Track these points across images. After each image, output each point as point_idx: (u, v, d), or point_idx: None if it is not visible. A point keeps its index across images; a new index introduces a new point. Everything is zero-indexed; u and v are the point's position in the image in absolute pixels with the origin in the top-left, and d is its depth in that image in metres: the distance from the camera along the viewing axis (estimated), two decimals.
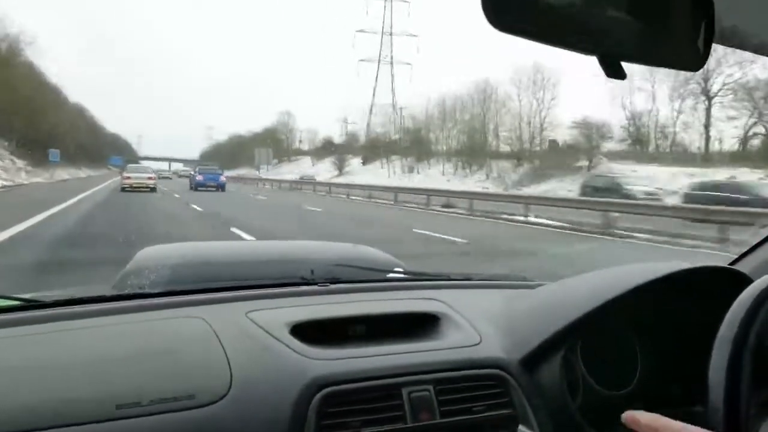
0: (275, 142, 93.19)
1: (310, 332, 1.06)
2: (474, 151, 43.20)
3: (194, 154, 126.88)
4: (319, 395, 0.96)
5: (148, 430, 0.87)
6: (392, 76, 77.10)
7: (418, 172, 49.73)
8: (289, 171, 78.08)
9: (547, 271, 6.62)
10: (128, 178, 28.31)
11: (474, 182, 37.38)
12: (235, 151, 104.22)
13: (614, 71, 0.62)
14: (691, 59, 0.68)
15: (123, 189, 25.96)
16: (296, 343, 1.04)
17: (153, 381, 0.92)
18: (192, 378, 0.94)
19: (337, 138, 79.58)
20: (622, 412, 0.99)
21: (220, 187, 27.93)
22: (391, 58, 77.07)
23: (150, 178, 28.82)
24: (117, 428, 0.87)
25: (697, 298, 1.14)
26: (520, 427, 1.03)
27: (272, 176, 62.43)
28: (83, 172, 67.75)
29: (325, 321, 1.14)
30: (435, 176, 45.40)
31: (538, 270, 7.26)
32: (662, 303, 1.14)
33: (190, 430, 0.89)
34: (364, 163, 64.55)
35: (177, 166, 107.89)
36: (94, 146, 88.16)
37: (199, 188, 28.00)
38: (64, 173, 47.76)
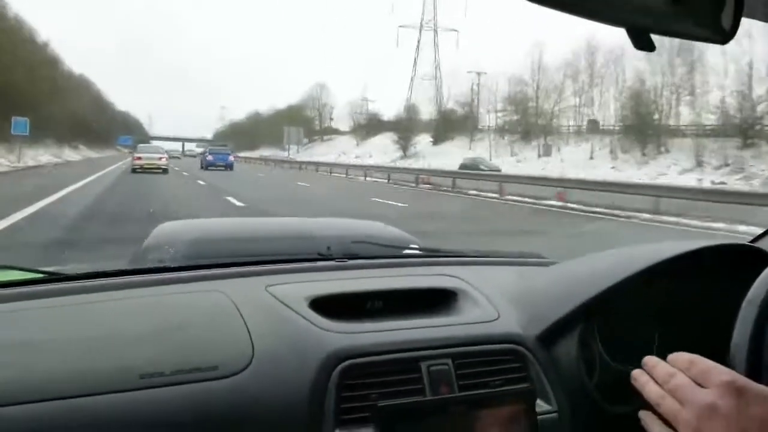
0: (304, 121, 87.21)
1: (328, 306, 1.13)
2: (646, 126, 32.07)
3: (207, 133, 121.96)
4: (339, 368, 1.02)
5: (171, 400, 0.92)
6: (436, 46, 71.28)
7: (548, 155, 39.43)
8: (324, 152, 71.73)
9: None
10: (139, 158, 27.34)
11: (676, 172, 27.81)
12: (255, 131, 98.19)
13: (643, 43, 0.63)
14: (720, 31, 0.68)
15: (134, 170, 24.82)
16: (316, 316, 1.10)
17: (176, 352, 0.98)
18: (214, 350, 1.00)
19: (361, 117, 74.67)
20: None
21: (228, 167, 31.12)
22: (435, 23, 70.93)
23: (161, 159, 27.44)
24: (141, 397, 0.92)
25: (718, 275, 1.19)
26: (538, 401, 1.08)
27: (304, 158, 56.89)
28: (78, 153, 61.29)
29: (344, 295, 1.21)
30: (577, 160, 36.70)
31: None
32: (681, 281, 1.21)
33: (213, 400, 0.95)
34: (435, 143, 57.82)
35: (190, 147, 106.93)
36: (102, 124, 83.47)
37: (210, 167, 30.68)
38: (45, 154, 39.69)
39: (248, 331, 1.05)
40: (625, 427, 1.19)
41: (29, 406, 0.85)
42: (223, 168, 30.33)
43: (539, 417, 1.07)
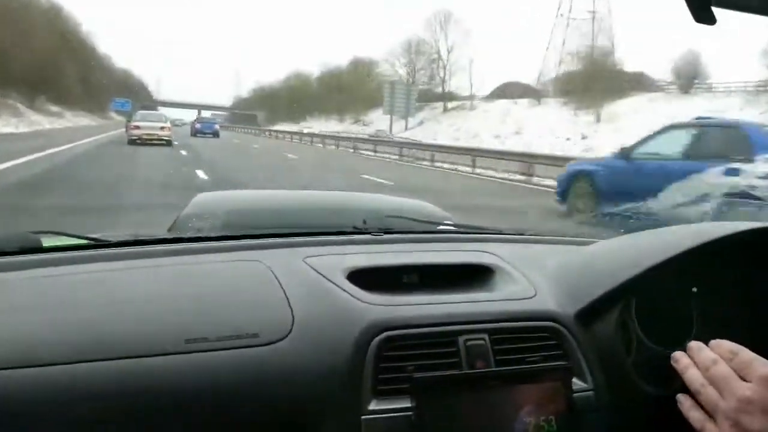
0: (377, 88, 62.56)
1: (365, 279, 1.22)
2: None
3: (225, 101, 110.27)
4: (377, 339, 1.09)
5: (215, 364, 1.01)
6: None
7: None
8: (451, 129, 48.30)
9: None
10: (136, 127, 24.94)
11: None
12: (299, 97, 79.00)
13: (703, 15, 0.62)
14: None
15: (131, 141, 24.04)
16: (354, 288, 1.19)
17: (218, 318, 1.08)
18: (255, 317, 1.10)
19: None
20: (674, 368, 1.02)
21: (215, 134, 41.52)
22: None
23: (164, 129, 25.11)
24: (187, 361, 1.00)
25: (763, 259, 1.24)
26: (574, 379, 1.15)
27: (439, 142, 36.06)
28: (51, 120, 49.57)
29: (380, 268, 1.31)
30: None
31: None
32: (724, 263, 1.27)
33: (255, 366, 1.03)
34: None
35: (206, 115, 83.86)
36: (89, 82, 66.69)
37: (198, 135, 40.09)
38: None
39: (287, 300, 1.14)
40: (661, 409, 1.16)
41: (79, 366, 0.95)
42: (210, 135, 39.93)
43: (575, 395, 1.13)
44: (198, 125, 43.39)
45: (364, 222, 1.61)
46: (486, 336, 1.15)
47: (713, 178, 6.65)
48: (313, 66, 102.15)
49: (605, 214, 7.61)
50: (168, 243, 1.43)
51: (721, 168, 6.76)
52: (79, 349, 0.98)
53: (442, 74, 55.28)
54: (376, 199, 2.26)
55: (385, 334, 1.10)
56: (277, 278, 1.21)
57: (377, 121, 52.27)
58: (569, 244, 1.67)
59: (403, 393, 1.06)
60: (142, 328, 1.05)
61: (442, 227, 1.77)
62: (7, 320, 1.02)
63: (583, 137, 32.37)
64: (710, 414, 0.82)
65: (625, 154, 8.97)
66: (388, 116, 45.15)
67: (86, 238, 1.37)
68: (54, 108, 49.17)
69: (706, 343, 1.06)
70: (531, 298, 1.26)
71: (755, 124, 9.15)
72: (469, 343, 1.14)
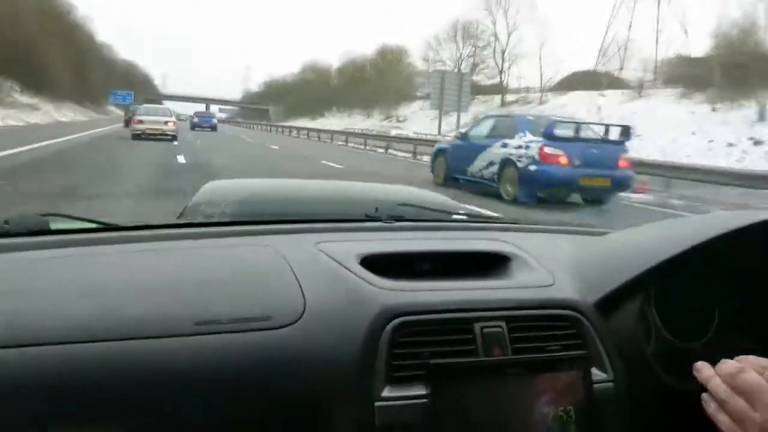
0: (406, 78, 59.85)
1: (378, 265, 1.23)
2: None
3: (234, 95, 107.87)
4: (391, 324, 1.09)
5: (226, 347, 1.02)
6: None
7: None
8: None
9: None
10: (140, 122, 24.85)
11: None
12: (317, 92, 74.88)
13: None
14: None
15: (134, 136, 24.08)
16: (367, 273, 1.20)
17: (229, 302, 1.09)
18: (267, 301, 1.11)
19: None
20: (695, 362, 1.02)
21: (212, 128, 43.90)
22: None
23: (168, 123, 25.01)
24: (197, 343, 1.01)
25: None
26: (593, 369, 1.15)
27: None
28: (37, 114, 42.93)
29: (394, 255, 1.33)
30: None
31: None
32: (746, 253, 1.27)
33: (267, 349, 1.04)
34: None
35: (213, 109, 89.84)
36: (83, 72, 62.21)
37: (196, 128, 42.83)
38: None
39: (299, 285, 1.15)
40: (681, 402, 1.16)
41: (85, 346, 0.96)
42: (208, 129, 42.60)
43: (595, 385, 1.13)
44: (196, 119, 46.31)
45: (377, 210, 1.64)
46: (503, 323, 1.15)
47: (495, 150, 11.03)
48: (333, 57, 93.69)
49: (450, 178, 12.30)
50: (177, 228, 1.45)
51: (498, 143, 10.98)
52: (85, 329, 0.99)
53: (498, 61, 45.72)
54: (387, 189, 2.24)
55: (399, 319, 1.10)
56: (288, 263, 1.22)
57: (413, 117, 44.24)
58: (584, 234, 1.69)
59: (418, 380, 1.07)
60: (151, 309, 1.06)
61: (454, 216, 1.81)
62: (13, 300, 1.04)
63: (757, 142, 22.96)
64: (738, 422, 0.81)
65: (462, 136, 12.79)
66: (426, 112, 40.90)
67: (95, 222, 1.40)
68: (27, 99, 44.46)
69: (728, 335, 1.06)
70: (549, 286, 1.26)
71: (524, 114, 13.39)
72: (485, 330, 1.14)
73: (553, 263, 1.34)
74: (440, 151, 13.34)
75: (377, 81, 59.81)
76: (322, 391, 1.04)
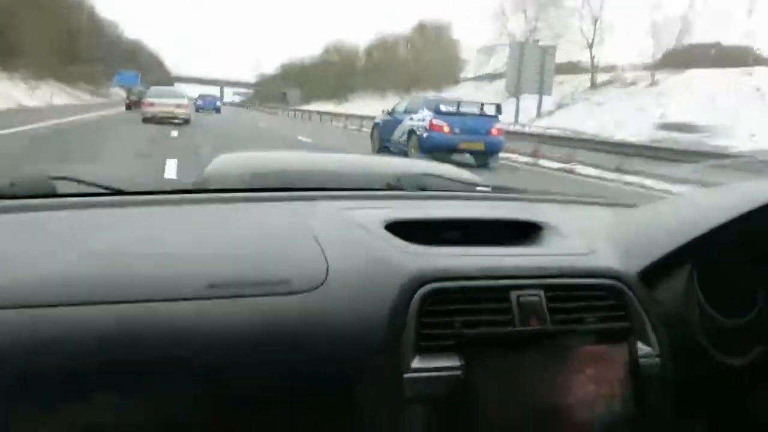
0: (447, 62, 55.14)
1: (405, 231, 1.20)
2: None
3: (247, 77, 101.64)
4: (421, 291, 1.05)
5: (240, 311, 1.00)
6: None
7: None
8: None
9: None
10: (151, 104, 24.31)
11: None
12: (342, 74, 70.04)
13: None
14: None
15: (145, 119, 23.53)
16: (394, 238, 1.16)
17: (244, 264, 1.07)
18: (286, 265, 1.08)
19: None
20: (743, 339, 1.02)
21: (216, 110, 46.92)
22: None
23: (181, 107, 24.39)
24: (209, 307, 0.99)
25: None
26: (638, 343, 1.13)
27: None
28: (28, 94, 40.57)
29: (421, 221, 1.29)
30: None
31: None
32: None
33: (285, 315, 1.01)
34: None
35: (227, 92, 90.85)
36: (76, 49, 56.30)
37: (199, 110, 43.07)
38: None
39: (321, 250, 1.11)
40: (727, 378, 1.14)
41: (89, 308, 0.95)
42: (213, 111, 45.60)
43: (639, 360, 1.10)
44: (200, 102, 48.11)
45: (398, 180, 1.62)
46: (541, 292, 1.11)
47: (406, 122, 14.36)
48: (360, 36, 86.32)
49: (382, 147, 15.37)
50: (191, 193, 1.42)
51: (408, 117, 14.42)
52: (91, 290, 0.98)
53: (589, 31, 36.54)
54: (408, 162, 2.27)
55: (429, 286, 1.06)
56: (309, 226, 1.19)
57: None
58: (617, 206, 1.67)
59: (450, 350, 1.04)
60: (161, 271, 1.04)
61: (480, 188, 1.77)
62: (15, 261, 1.03)
63: None
64: None
65: (389, 112, 15.93)
66: (482, 95, 33.62)
67: (103, 186, 1.37)
68: (33, 81, 42.07)
69: None
70: (589, 254, 1.22)
71: (426, 96, 17.14)
72: (522, 299, 1.09)
73: (590, 232, 1.31)
74: (376, 125, 16.79)
75: (414, 61, 56.76)
76: (346, 362, 1.01)
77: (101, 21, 71.08)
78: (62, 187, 1.33)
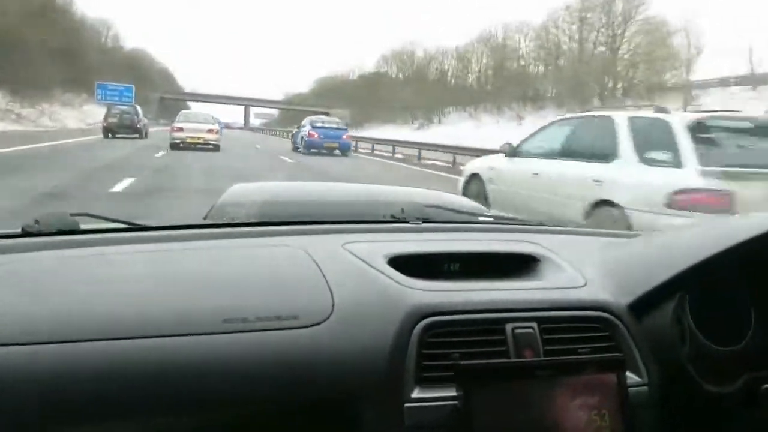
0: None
1: (406, 265, 1.36)
2: None
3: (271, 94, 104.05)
4: (421, 324, 1.19)
5: (253, 345, 1.13)
6: None
7: None
8: None
9: None
10: (180, 129, 24.52)
11: None
12: (396, 90, 58.60)
13: None
14: None
15: (173, 146, 23.94)
16: (396, 273, 1.32)
17: (257, 300, 1.22)
18: (295, 300, 1.23)
19: None
20: (731, 367, 1.15)
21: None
22: None
23: (211, 131, 24.77)
24: (224, 341, 1.12)
25: None
26: (627, 373, 1.25)
27: None
28: None
29: (422, 255, 1.45)
30: None
31: None
32: None
33: (294, 348, 1.14)
34: None
35: (256, 111, 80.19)
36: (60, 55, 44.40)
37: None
38: None
39: (327, 284, 1.27)
40: (716, 406, 1.23)
41: (112, 343, 1.07)
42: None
43: (629, 389, 1.22)
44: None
45: (402, 211, 1.77)
46: (535, 324, 1.24)
47: (300, 132, 30.89)
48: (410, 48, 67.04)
49: (295, 148, 31.87)
50: (205, 228, 1.61)
51: (302, 129, 31.23)
52: (112, 326, 1.11)
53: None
54: (412, 192, 2.34)
55: (429, 319, 1.21)
56: (315, 262, 1.36)
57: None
58: (612, 236, 1.82)
59: (448, 381, 1.17)
60: (178, 307, 1.19)
61: (481, 218, 1.90)
62: (38, 298, 1.18)
63: None
64: None
65: (297, 126, 36.89)
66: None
67: (123, 222, 1.56)
68: None
69: (765, 340, 1.18)
70: (581, 287, 1.36)
71: (316, 117, 33.26)
72: (517, 331, 1.22)
73: (584, 264, 1.46)
74: (292, 135, 36.06)
75: (487, 76, 51.80)
76: (350, 391, 1.15)
77: (77, 21, 52.41)
78: (84, 222, 1.46)
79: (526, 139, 7.99)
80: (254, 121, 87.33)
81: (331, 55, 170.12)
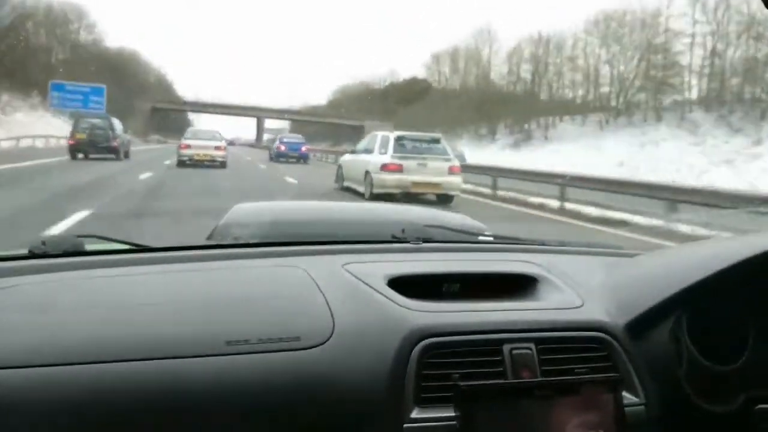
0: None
1: (406, 286, 1.49)
2: None
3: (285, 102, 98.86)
4: (420, 345, 1.30)
5: (255, 367, 1.22)
6: None
7: None
8: None
9: None
10: (187, 146, 24.61)
11: None
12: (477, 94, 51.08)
13: None
14: None
15: (180, 164, 24.60)
16: (395, 294, 1.44)
17: (259, 321, 1.34)
18: (296, 321, 1.35)
19: None
20: (728, 387, 1.19)
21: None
22: None
23: (219, 148, 25.20)
24: (227, 363, 1.22)
25: None
26: (624, 393, 1.33)
27: None
28: None
29: (421, 276, 1.56)
30: None
31: None
32: None
33: (296, 369, 1.24)
34: None
35: (271, 126, 71.53)
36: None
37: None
38: None
39: (328, 305, 1.40)
40: (714, 425, 1.24)
41: (116, 365, 1.15)
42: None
43: (626, 408, 1.31)
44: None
45: (403, 231, 1.84)
46: (532, 345, 1.33)
47: (273, 145, 47.93)
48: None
49: (270, 157, 43.66)
50: (208, 249, 1.72)
51: (274, 142, 47.32)
52: (116, 348, 1.20)
53: None
54: (413, 211, 2.40)
55: (427, 341, 1.30)
56: (316, 283, 1.47)
57: None
58: (612, 255, 1.91)
59: (447, 401, 1.26)
60: (182, 329, 1.29)
61: (481, 237, 1.95)
62: (42, 320, 1.27)
63: None
64: None
65: (270, 140, 63.10)
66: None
67: (128, 243, 1.64)
68: None
69: (763, 358, 1.19)
70: (578, 307, 1.44)
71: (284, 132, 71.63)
72: (514, 351, 1.30)
73: (582, 285, 1.56)
74: (269, 149, 47.24)
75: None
76: (350, 412, 1.23)
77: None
78: (90, 243, 1.51)
79: (357, 145, 17.75)
80: (266, 136, 79.73)
81: (351, 62, 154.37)
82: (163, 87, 78.47)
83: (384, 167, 13.87)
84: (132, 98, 48.30)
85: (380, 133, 15.82)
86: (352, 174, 15.16)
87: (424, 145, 14.71)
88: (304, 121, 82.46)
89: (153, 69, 77.05)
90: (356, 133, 72.34)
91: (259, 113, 73.56)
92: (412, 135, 15.47)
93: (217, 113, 71.54)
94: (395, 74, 72.20)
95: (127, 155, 26.51)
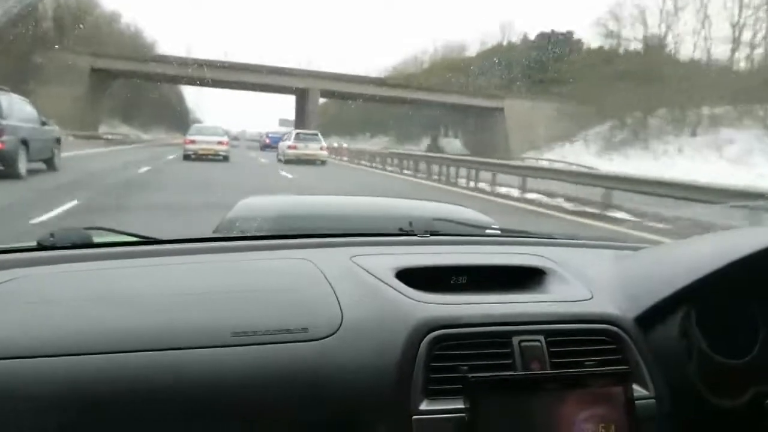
0: None
1: (414, 278, 1.54)
2: None
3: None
4: (429, 337, 1.35)
5: (262, 358, 1.28)
6: None
7: None
8: None
9: None
10: (192, 142, 26.36)
11: None
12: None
13: None
14: None
15: (186, 157, 26.52)
16: (404, 286, 1.50)
17: (266, 313, 1.40)
18: (304, 313, 1.40)
19: None
20: (738, 380, 1.20)
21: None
22: None
23: (221, 143, 27.29)
24: (233, 354, 1.27)
25: None
26: (634, 386, 1.36)
27: None
28: None
29: (429, 268, 1.63)
30: None
31: None
32: None
33: (303, 361, 1.30)
34: None
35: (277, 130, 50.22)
36: None
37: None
38: None
39: (336, 297, 1.45)
40: (724, 419, 1.28)
41: (123, 356, 1.20)
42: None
43: (636, 402, 1.34)
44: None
45: (411, 224, 1.93)
46: (542, 337, 1.37)
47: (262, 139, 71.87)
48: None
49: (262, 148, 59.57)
50: (215, 242, 1.73)
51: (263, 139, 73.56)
52: (122, 340, 1.25)
53: None
54: (420, 205, 2.42)
55: (436, 332, 1.35)
56: (324, 276, 1.53)
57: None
58: (620, 249, 1.95)
59: (456, 393, 1.31)
60: (188, 320, 1.34)
61: (488, 231, 1.99)
62: (55, 311, 1.32)
63: None
64: None
65: (262, 135, 67.94)
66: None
67: (136, 236, 1.69)
68: None
69: None
70: (588, 300, 1.50)
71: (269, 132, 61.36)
72: (524, 344, 1.34)
73: (591, 277, 1.61)
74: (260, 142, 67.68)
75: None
76: (358, 404, 1.27)
77: None
78: (98, 236, 1.56)
79: (283, 137, 37.25)
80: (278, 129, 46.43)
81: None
82: (135, 44, 48.83)
83: (289, 147, 27.96)
84: (55, 51, 31.79)
85: (293, 131, 31.58)
86: (281, 151, 28.69)
87: (309, 136, 29.62)
88: (391, 100, 45.61)
89: (113, 14, 50.87)
90: (435, 141, 41.42)
91: (300, 80, 39.77)
92: (303, 132, 31.50)
93: (219, 86, 40.42)
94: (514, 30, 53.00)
95: (54, 165, 13.38)
